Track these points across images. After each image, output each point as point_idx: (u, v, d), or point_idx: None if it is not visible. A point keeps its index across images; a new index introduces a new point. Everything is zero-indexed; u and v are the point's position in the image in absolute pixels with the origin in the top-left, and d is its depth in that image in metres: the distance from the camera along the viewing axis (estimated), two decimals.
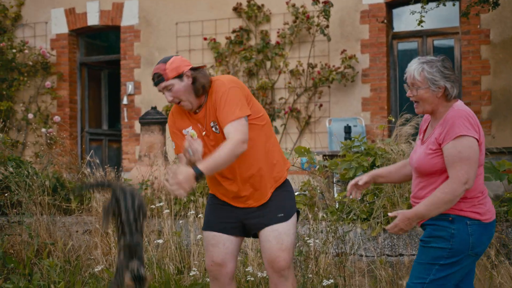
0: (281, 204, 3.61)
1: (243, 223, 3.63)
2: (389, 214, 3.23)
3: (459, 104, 3.22)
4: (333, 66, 9.60)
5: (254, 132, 3.52)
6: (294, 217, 3.63)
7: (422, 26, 7.56)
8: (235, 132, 3.38)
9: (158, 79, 3.46)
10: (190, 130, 3.56)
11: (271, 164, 3.61)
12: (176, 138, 3.63)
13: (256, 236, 3.68)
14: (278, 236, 3.53)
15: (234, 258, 3.66)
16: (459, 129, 3.08)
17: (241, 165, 3.51)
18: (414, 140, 5.53)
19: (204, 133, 3.53)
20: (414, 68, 3.19)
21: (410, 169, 3.46)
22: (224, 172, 3.52)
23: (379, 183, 3.64)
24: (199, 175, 3.21)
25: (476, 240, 3.12)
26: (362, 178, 3.54)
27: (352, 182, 3.55)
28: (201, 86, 3.47)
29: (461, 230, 3.11)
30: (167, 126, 7.97)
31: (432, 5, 7.67)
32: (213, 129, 3.50)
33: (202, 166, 3.25)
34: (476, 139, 3.09)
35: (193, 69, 3.51)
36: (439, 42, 9.73)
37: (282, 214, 3.57)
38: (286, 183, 3.68)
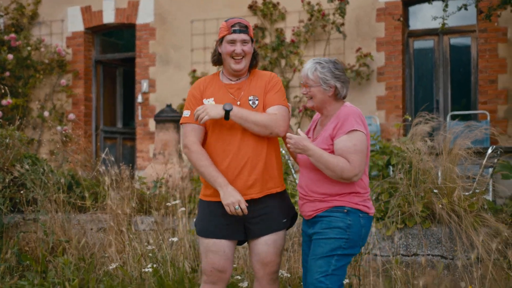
0: (285, 209, 3.64)
1: (246, 226, 3.58)
2: (299, 131, 3.39)
3: (349, 104, 3.47)
4: (348, 64, 9.56)
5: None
6: None
7: (444, 28, 7.53)
8: (278, 115, 3.50)
9: (243, 28, 3.51)
10: (210, 101, 3.56)
11: (279, 169, 3.66)
12: (194, 104, 3.59)
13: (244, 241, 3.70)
14: (276, 241, 3.58)
15: (232, 264, 3.66)
16: (353, 124, 3.32)
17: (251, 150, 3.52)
18: (431, 139, 5.49)
19: (238, 103, 3.54)
20: (308, 67, 3.41)
21: None
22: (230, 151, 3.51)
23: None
24: (227, 109, 3.38)
25: (366, 232, 3.41)
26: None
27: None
28: (254, 60, 3.61)
29: (356, 221, 3.35)
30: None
31: (453, 8, 7.60)
32: (250, 102, 3.53)
33: (235, 107, 3.43)
34: (366, 133, 3.35)
35: None
36: (455, 40, 9.65)
37: (285, 220, 3.61)
38: (285, 191, 3.74)
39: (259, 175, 3.51)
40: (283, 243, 3.63)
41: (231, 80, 3.61)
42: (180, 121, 3.64)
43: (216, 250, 3.58)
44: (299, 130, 3.38)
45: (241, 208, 3.41)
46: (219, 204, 3.52)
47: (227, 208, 3.42)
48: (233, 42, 3.51)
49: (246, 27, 3.51)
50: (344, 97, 3.45)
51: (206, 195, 3.62)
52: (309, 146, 3.32)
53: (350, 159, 3.26)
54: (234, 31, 3.49)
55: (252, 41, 3.56)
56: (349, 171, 3.26)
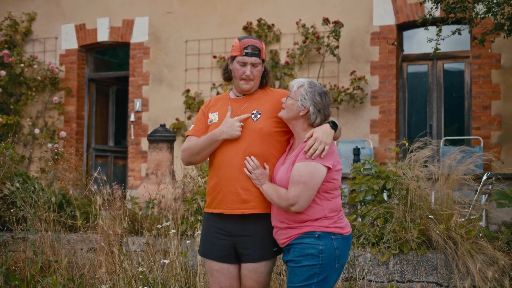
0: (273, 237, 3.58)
1: (236, 250, 3.55)
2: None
3: None
4: (342, 87, 9.57)
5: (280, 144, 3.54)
6: None
7: (437, 53, 7.55)
8: None
9: (255, 51, 3.51)
10: (215, 115, 3.60)
11: None
12: (198, 121, 3.66)
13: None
14: (256, 268, 3.52)
15: (239, 282, 3.63)
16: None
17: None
18: (427, 165, 5.47)
19: (236, 117, 3.53)
20: (297, 81, 3.42)
21: None
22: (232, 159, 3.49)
23: None
24: (334, 126, 3.38)
25: (341, 253, 3.36)
26: None
27: None
28: (265, 79, 3.60)
29: (328, 245, 3.31)
30: (175, 144, 7.94)
31: (447, 32, 7.63)
32: (252, 115, 3.51)
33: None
34: (328, 167, 3.28)
35: None
36: (449, 65, 9.70)
37: (276, 248, 3.55)
38: None
39: (255, 191, 3.46)
40: (267, 270, 3.55)
41: (238, 96, 3.64)
42: (186, 133, 3.72)
43: (220, 269, 3.58)
44: (253, 157, 3.40)
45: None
46: (213, 217, 3.55)
47: (236, 135, 3.45)
48: (244, 64, 3.52)
49: (259, 50, 3.51)
50: (317, 125, 3.39)
51: (206, 206, 3.63)
52: (265, 182, 3.41)
53: (289, 189, 3.28)
54: (246, 54, 3.50)
55: (263, 62, 3.57)
56: (284, 200, 3.29)
